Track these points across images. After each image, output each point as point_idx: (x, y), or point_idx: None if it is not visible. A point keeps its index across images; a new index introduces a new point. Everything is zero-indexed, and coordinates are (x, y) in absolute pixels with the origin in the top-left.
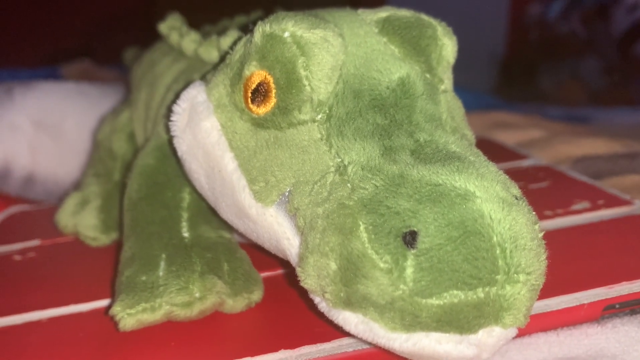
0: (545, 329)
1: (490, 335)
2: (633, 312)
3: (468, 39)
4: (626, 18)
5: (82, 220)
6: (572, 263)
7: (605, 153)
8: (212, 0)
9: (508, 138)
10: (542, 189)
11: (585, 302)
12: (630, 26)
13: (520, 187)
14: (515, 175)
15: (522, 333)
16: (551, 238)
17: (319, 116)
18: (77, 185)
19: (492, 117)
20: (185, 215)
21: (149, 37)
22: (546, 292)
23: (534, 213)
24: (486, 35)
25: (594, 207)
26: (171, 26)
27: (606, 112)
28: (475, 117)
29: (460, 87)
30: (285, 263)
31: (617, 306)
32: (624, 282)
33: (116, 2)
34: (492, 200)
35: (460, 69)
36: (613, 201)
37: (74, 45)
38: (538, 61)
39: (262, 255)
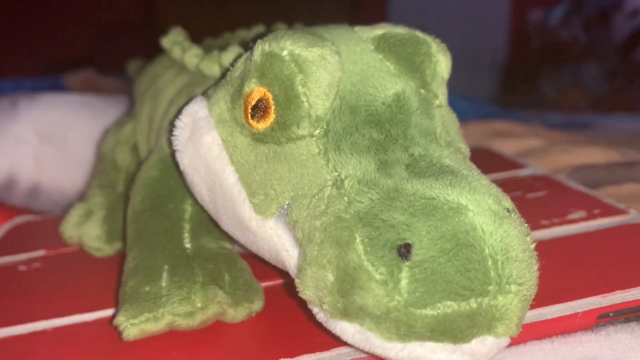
0: (540, 337)
1: (483, 345)
2: (627, 321)
3: (470, 46)
4: (627, 23)
5: (87, 231)
6: (567, 272)
7: (603, 162)
8: (213, 9)
9: (507, 147)
10: (539, 199)
11: (580, 310)
12: (631, 31)
13: (517, 197)
14: (513, 184)
15: (517, 341)
16: (547, 247)
17: (317, 131)
18: (81, 197)
19: (491, 126)
20: (187, 226)
21: (151, 46)
22: (541, 300)
23: (526, 225)
24: (488, 42)
25: (590, 217)
26: (173, 41)
27: (608, 118)
28: (475, 126)
29: (462, 94)
30: (284, 273)
31: (611, 315)
32: (617, 291)
33: (118, 11)
34: (484, 213)
35: (462, 76)
36: (609, 211)
37: (76, 55)
38: (539, 67)
39: (262, 265)
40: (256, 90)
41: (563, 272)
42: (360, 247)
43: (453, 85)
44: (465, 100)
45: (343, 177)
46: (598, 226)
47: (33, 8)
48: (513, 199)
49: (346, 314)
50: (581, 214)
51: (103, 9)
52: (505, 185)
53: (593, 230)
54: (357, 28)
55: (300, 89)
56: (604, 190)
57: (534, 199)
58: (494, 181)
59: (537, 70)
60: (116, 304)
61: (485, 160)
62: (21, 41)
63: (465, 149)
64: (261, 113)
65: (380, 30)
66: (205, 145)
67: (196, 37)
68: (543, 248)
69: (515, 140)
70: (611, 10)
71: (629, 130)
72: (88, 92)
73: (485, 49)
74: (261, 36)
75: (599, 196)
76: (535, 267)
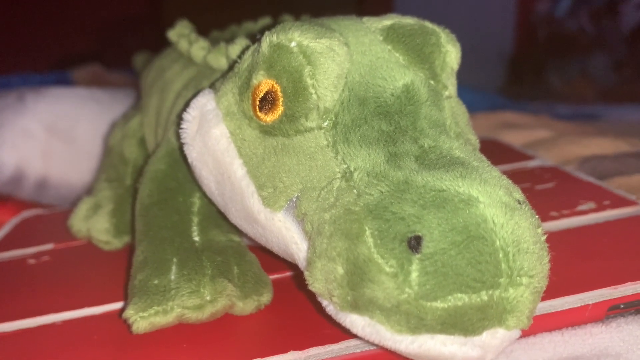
0: (550, 329)
1: (494, 337)
2: (638, 312)
3: (476, 38)
4: (635, 14)
5: (95, 225)
6: (577, 264)
7: (612, 152)
8: (219, 4)
9: (515, 138)
10: (549, 190)
11: (590, 302)
12: None
13: (526, 188)
14: (521, 176)
15: (527, 333)
16: (557, 239)
17: (325, 123)
18: (89, 190)
19: (499, 117)
20: (195, 219)
21: (157, 41)
22: (551, 292)
23: (537, 217)
24: (494, 34)
25: (600, 208)
26: (180, 33)
27: (616, 109)
28: (483, 117)
29: (469, 85)
30: (293, 265)
31: (622, 306)
32: (628, 283)
33: (124, 6)
34: (495, 205)
35: (468, 67)
36: (619, 202)
37: (83, 50)
38: (546, 59)
39: (271, 257)
40: (264, 82)
41: (573, 264)
42: (370, 240)
43: (459, 76)
44: (472, 91)
45: (352, 170)
46: (608, 217)
47: (39, 3)
48: (522, 191)
49: (356, 306)
50: (591, 205)
51: (109, 4)
52: (514, 177)
53: (603, 222)
54: (365, 19)
55: (309, 81)
56: (614, 181)
57: (543, 191)
58: (503, 172)
59: (544, 61)
60: (125, 297)
61: (494, 151)
62: (27, 37)
63: (475, 140)
64: (269, 105)
65: (388, 20)
66: (213, 138)
67: (202, 30)
68: (553, 240)
69: (523, 131)
70: (619, 0)
71: (637, 121)
72: (95, 86)
73: (492, 40)
74: (268, 28)
75: (609, 187)
76: (547, 259)
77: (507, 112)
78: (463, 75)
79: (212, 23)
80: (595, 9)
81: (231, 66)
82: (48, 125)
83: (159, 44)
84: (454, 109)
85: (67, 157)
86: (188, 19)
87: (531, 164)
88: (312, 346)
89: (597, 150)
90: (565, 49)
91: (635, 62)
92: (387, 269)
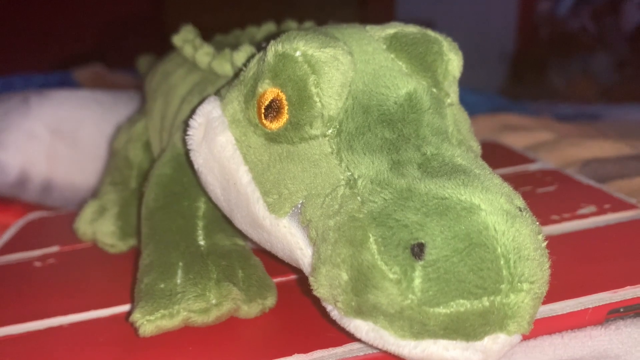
0: (550, 332)
1: (496, 342)
2: (637, 315)
3: (478, 37)
4: (637, 13)
5: (100, 228)
6: (577, 267)
7: (613, 155)
8: (221, 4)
9: (516, 141)
10: (550, 193)
11: (590, 306)
12: None
13: (527, 192)
14: (523, 179)
15: (527, 336)
16: (557, 243)
17: (330, 131)
18: (94, 193)
19: (500, 119)
20: (200, 223)
21: (159, 40)
22: (551, 296)
23: (537, 223)
24: (496, 33)
25: (600, 212)
26: (184, 38)
27: (618, 108)
28: (484, 119)
29: (470, 86)
30: (297, 269)
31: (622, 310)
32: (628, 287)
33: (126, 5)
34: (496, 213)
35: (470, 67)
36: (619, 205)
37: (86, 50)
38: (548, 58)
39: (275, 261)
40: (269, 91)
41: (573, 268)
42: (374, 247)
43: (461, 77)
44: (473, 93)
45: (356, 177)
46: (608, 221)
47: (41, 3)
48: (523, 194)
49: (360, 312)
50: (591, 208)
51: (111, 3)
52: (515, 180)
53: (603, 225)
54: (368, 27)
55: (313, 90)
56: (615, 183)
57: (544, 194)
58: (504, 176)
59: (545, 60)
60: (131, 300)
61: (495, 154)
62: (29, 37)
63: (477, 147)
64: (274, 113)
65: (392, 29)
66: (219, 145)
67: (204, 30)
68: (553, 243)
69: (524, 133)
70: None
71: (639, 121)
72: (97, 87)
73: (494, 40)
74: (271, 35)
75: (609, 191)
76: (547, 266)
77: (508, 114)
78: (464, 76)
79: (214, 23)
80: (597, 9)
81: (237, 74)
82: (52, 127)
83: (162, 44)
84: (456, 117)
85: (71, 160)
86: (190, 19)
87: (532, 167)
88: (316, 349)
89: (599, 152)
90: (566, 49)
91: (636, 61)
92: (391, 276)
